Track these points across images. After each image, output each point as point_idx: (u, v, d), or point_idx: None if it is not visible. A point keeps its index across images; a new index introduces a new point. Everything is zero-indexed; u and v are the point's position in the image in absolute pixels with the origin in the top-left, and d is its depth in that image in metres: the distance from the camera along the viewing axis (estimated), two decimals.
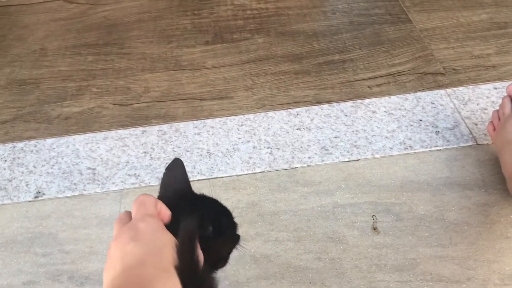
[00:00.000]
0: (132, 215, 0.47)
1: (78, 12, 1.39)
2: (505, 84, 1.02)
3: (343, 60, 1.14)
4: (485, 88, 1.04)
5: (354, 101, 1.04)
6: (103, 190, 0.91)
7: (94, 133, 1.03)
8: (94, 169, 0.95)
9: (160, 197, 0.55)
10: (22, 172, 0.96)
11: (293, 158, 0.94)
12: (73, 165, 0.96)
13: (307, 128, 0.99)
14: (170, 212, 0.48)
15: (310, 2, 1.34)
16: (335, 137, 0.97)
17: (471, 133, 0.95)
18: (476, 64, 1.09)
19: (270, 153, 0.95)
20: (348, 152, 0.94)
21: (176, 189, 0.56)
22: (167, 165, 0.57)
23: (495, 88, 1.03)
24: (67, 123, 1.06)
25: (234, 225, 0.59)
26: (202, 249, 0.46)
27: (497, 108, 0.90)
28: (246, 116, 1.03)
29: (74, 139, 1.02)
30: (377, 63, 1.12)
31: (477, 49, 1.13)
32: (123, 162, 0.96)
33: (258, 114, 1.04)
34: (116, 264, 0.43)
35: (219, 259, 0.53)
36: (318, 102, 1.05)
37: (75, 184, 0.93)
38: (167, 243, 0.44)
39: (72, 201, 0.90)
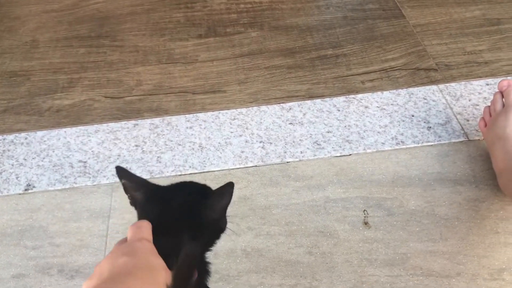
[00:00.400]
0: (128, 237, 0.48)
1: (70, 4, 1.38)
2: (497, 80, 1.03)
3: (336, 55, 1.14)
4: (477, 84, 1.04)
5: (347, 96, 1.04)
6: (94, 183, 0.91)
7: (85, 126, 1.02)
8: (85, 162, 0.95)
9: (140, 200, 0.55)
10: (12, 165, 0.95)
11: (285, 152, 0.94)
12: (64, 158, 0.96)
13: (299, 122, 0.99)
14: None
15: None
16: (328, 132, 0.97)
17: (462, 129, 0.95)
18: (469, 60, 1.10)
19: (262, 147, 0.95)
20: (340, 147, 0.94)
21: (146, 185, 0.56)
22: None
23: (487, 84, 1.04)
24: (58, 115, 1.05)
25: None
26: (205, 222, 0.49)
27: (489, 104, 0.91)
28: (239, 110, 1.03)
29: (65, 131, 1.01)
30: (370, 58, 1.12)
31: (470, 45, 1.14)
32: (115, 155, 0.95)
33: (250, 108, 1.03)
34: (104, 273, 0.43)
35: (220, 217, 0.54)
36: (311, 97, 1.04)
37: (66, 177, 0.92)
38: (158, 267, 0.45)
39: (62, 194, 0.89)
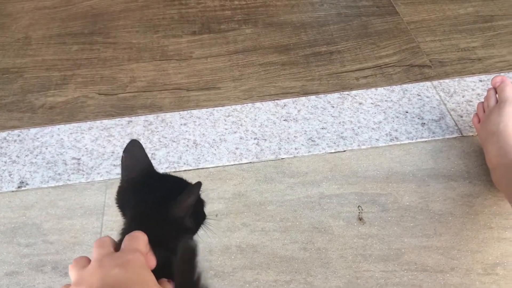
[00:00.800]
0: (123, 246, 0.47)
1: (63, 1, 1.37)
2: (490, 76, 1.03)
3: (331, 52, 1.14)
4: (470, 81, 1.04)
5: (341, 92, 1.04)
6: (88, 180, 0.90)
7: (79, 123, 1.02)
8: (79, 159, 0.94)
9: (124, 180, 0.55)
10: (5, 162, 0.95)
11: (280, 149, 0.93)
12: (58, 155, 0.95)
13: (294, 119, 0.99)
14: (155, 261, 0.48)
15: None
16: (322, 128, 0.97)
17: (456, 125, 0.95)
18: (462, 56, 1.10)
19: (257, 144, 0.95)
20: (334, 143, 0.94)
21: (139, 169, 0.55)
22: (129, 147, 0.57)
23: (480, 81, 1.04)
24: (52, 112, 1.04)
25: (201, 202, 0.59)
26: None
27: (482, 100, 0.91)
28: (233, 107, 1.03)
29: (58, 128, 1.01)
30: (364, 55, 1.12)
31: (463, 42, 1.14)
32: (108, 152, 0.95)
33: (245, 105, 1.03)
34: (94, 283, 0.42)
35: (184, 216, 0.52)
36: (305, 93, 1.04)
37: (59, 174, 0.92)
38: (151, 281, 0.44)
39: (56, 191, 0.89)
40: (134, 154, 0.56)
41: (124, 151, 0.55)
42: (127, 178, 0.55)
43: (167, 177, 0.57)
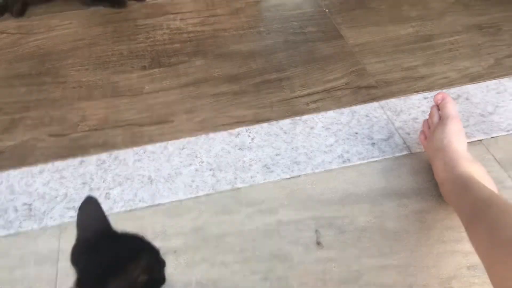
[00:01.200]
0: None
1: (9, 43, 1.35)
2: (433, 93, 1.07)
3: (280, 79, 1.16)
4: (415, 99, 1.08)
5: (293, 118, 1.06)
6: (41, 226, 0.88)
7: (29, 166, 0.99)
8: (30, 204, 0.92)
9: (79, 239, 0.54)
10: None
11: (235, 178, 0.94)
12: (8, 201, 0.92)
13: (248, 147, 1.00)
14: None
15: (245, 23, 1.36)
16: (276, 155, 0.98)
17: (404, 142, 0.98)
18: (406, 76, 1.14)
19: (212, 175, 0.95)
20: (289, 169, 0.95)
21: (94, 229, 0.54)
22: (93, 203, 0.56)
23: (425, 98, 1.08)
24: (0, 158, 1.02)
25: (159, 263, 0.57)
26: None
27: (427, 117, 0.94)
28: (187, 139, 1.03)
29: (8, 174, 0.98)
30: (313, 80, 1.15)
31: (406, 61, 1.18)
32: (61, 195, 0.93)
33: (199, 136, 1.03)
34: None
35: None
36: (258, 121, 1.06)
37: (10, 221, 0.89)
38: None
39: (7, 240, 0.86)
40: (90, 212, 0.55)
41: (78, 209, 0.54)
42: (82, 238, 0.54)
43: (123, 238, 0.56)
